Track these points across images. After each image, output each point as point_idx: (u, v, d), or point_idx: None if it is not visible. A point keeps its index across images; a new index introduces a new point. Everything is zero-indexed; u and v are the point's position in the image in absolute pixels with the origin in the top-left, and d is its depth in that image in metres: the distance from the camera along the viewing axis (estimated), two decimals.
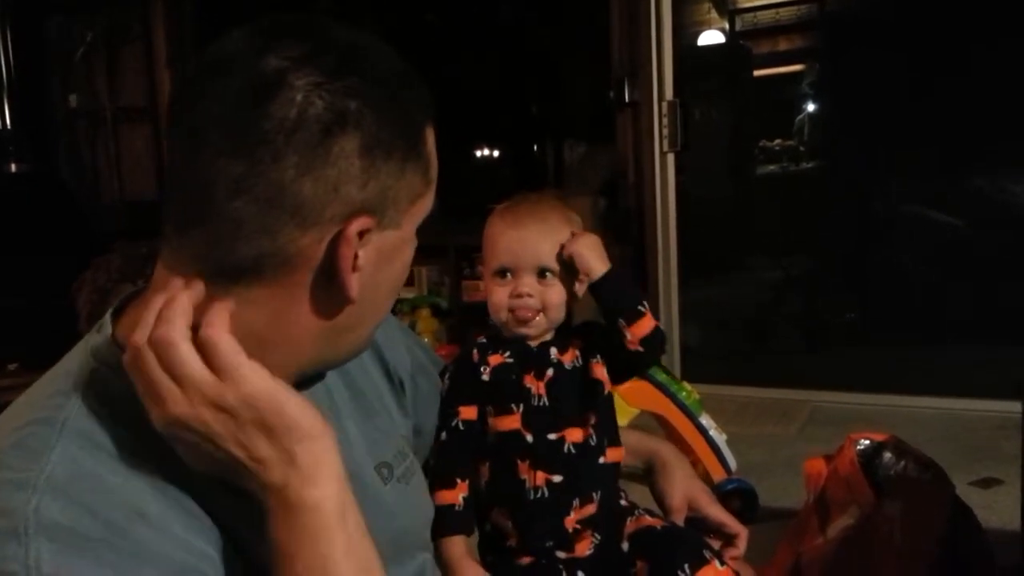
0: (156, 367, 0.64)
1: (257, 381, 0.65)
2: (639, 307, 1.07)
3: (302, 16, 0.70)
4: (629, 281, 1.11)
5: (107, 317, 0.73)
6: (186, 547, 0.65)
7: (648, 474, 1.19)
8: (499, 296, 1.08)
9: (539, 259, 1.07)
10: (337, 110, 0.65)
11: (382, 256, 0.71)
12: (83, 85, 4.42)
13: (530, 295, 1.07)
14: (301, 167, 0.64)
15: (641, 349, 1.07)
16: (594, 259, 1.07)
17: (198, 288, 0.66)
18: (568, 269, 1.08)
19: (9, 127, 3.92)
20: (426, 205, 0.75)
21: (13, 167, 3.88)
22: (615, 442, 1.11)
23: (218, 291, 0.67)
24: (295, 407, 0.66)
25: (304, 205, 0.65)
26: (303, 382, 0.76)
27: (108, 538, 0.61)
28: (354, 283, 0.69)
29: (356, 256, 0.68)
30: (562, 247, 1.07)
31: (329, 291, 0.69)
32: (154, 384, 0.64)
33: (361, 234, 0.68)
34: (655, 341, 1.08)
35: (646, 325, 1.07)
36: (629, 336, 1.07)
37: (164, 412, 0.64)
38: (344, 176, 0.66)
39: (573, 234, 1.08)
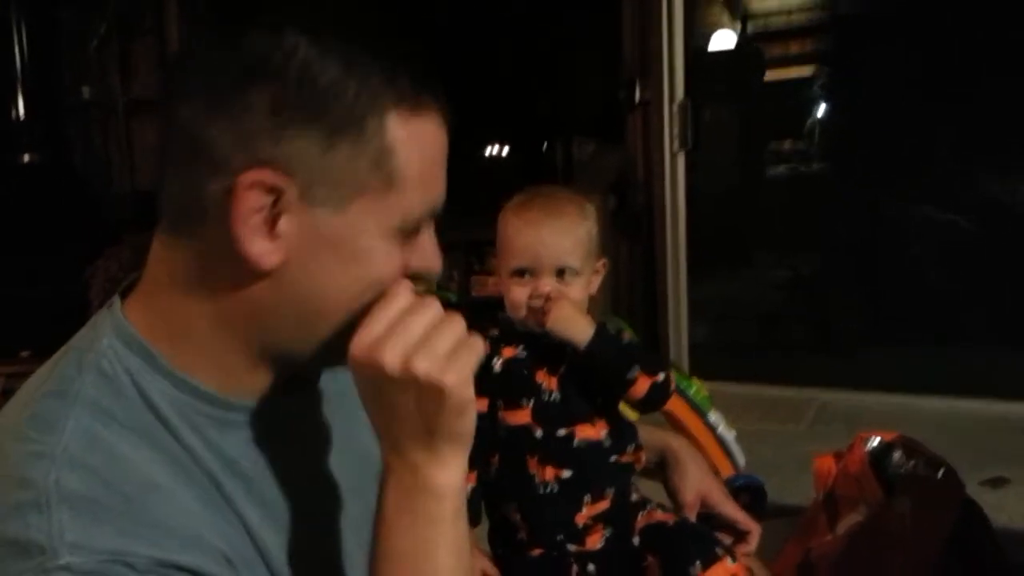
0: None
1: (469, 393, 0.67)
2: (628, 375, 1.04)
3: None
4: (616, 344, 1.07)
5: (116, 296, 0.73)
6: (196, 518, 0.65)
7: (661, 469, 1.18)
8: (518, 295, 1.07)
9: (559, 259, 1.06)
10: (262, 58, 0.63)
11: (320, 240, 0.65)
12: (96, 76, 4.43)
13: (551, 295, 1.05)
14: (211, 107, 0.63)
15: (641, 406, 1.07)
16: (573, 329, 1.04)
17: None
18: (586, 264, 1.08)
19: (23, 118, 3.94)
20: (390, 206, 0.66)
21: (26, 158, 3.90)
22: (638, 446, 1.11)
23: (170, 241, 0.68)
24: (470, 422, 0.68)
25: (212, 148, 0.63)
26: (289, 381, 0.73)
27: (126, 509, 0.61)
28: (260, 247, 0.64)
29: (273, 221, 0.64)
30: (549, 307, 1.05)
31: (237, 258, 0.64)
32: (426, 336, 0.65)
33: (273, 192, 0.63)
34: (653, 400, 1.07)
35: (639, 389, 1.05)
36: (626, 397, 1.06)
37: (408, 362, 0.64)
38: (256, 128, 0.63)
39: (547, 303, 1.05)
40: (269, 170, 0.63)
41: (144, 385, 0.67)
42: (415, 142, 0.67)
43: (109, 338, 0.69)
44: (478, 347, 0.67)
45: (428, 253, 0.72)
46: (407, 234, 0.69)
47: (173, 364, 0.68)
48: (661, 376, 1.07)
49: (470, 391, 0.66)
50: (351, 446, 0.79)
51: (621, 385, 1.05)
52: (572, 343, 1.04)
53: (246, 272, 0.65)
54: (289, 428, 0.75)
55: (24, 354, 2.96)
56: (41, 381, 0.69)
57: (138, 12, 4.32)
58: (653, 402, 1.08)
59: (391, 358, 0.64)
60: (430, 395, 0.65)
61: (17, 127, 3.95)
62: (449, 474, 0.67)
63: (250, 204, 0.63)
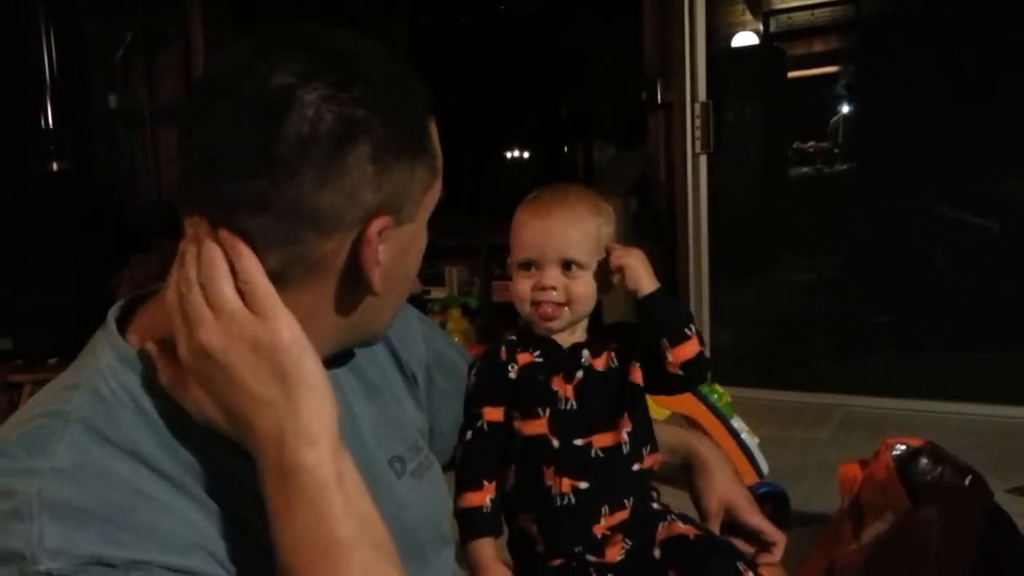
0: (200, 298, 0.68)
1: (289, 326, 0.68)
2: (685, 330, 1.03)
3: (297, 27, 0.72)
4: (677, 302, 1.08)
5: (111, 314, 0.75)
6: (191, 526, 0.66)
7: (686, 473, 1.16)
8: (522, 288, 1.05)
9: (564, 251, 1.04)
10: (347, 121, 0.67)
11: (400, 249, 0.75)
12: (122, 86, 4.49)
13: (554, 288, 1.04)
14: (318, 180, 0.67)
15: (681, 373, 1.04)
16: (644, 275, 1.04)
17: (229, 239, 0.68)
18: (600, 263, 1.07)
19: (51, 127, 4.00)
20: (435, 194, 0.78)
21: (55, 166, 3.96)
22: (653, 448, 1.10)
23: None
24: (311, 362, 0.69)
25: (324, 214, 0.68)
26: None
27: (111, 515, 0.62)
28: (377, 278, 0.73)
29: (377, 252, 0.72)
30: (609, 253, 1.05)
31: (353, 288, 0.73)
32: (194, 313, 0.67)
33: (381, 232, 0.72)
34: (697, 367, 1.04)
35: (690, 349, 1.03)
36: (670, 358, 1.03)
37: (195, 338, 0.67)
38: (359, 183, 0.69)
39: (619, 247, 1.05)
40: (382, 216, 0.71)
41: (144, 404, 0.69)
42: (437, 136, 0.77)
43: (107, 359, 0.71)
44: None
45: None
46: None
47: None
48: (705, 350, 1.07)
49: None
50: (360, 430, 0.83)
51: (673, 337, 1.03)
52: (637, 287, 1.04)
53: (348, 303, 0.75)
54: None
55: (51, 362, 3.01)
56: (39, 400, 0.71)
57: (163, 22, 4.37)
58: (693, 372, 1.05)
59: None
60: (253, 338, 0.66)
61: (46, 136, 4.02)
62: (314, 438, 0.66)
63: (373, 249, 0.72)
